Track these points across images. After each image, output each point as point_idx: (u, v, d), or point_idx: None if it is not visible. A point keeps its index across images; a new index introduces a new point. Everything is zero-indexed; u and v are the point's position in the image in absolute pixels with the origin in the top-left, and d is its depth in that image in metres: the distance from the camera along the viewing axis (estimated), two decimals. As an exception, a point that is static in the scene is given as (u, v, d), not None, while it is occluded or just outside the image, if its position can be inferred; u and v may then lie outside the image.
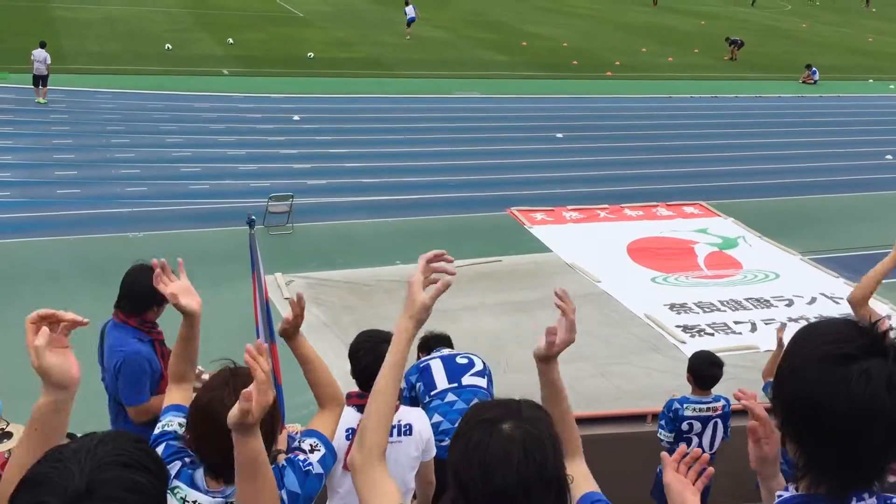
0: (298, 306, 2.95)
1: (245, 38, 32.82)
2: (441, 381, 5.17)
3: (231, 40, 31.99)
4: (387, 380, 2.21)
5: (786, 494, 1.81)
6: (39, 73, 21.87)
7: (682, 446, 2.36)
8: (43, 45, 22.09)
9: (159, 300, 4.77)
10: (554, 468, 1.77)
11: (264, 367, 2.16)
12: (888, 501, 1.80)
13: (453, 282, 2.24)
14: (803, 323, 1.90)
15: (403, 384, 5.35)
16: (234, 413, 2.11)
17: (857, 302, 4.21)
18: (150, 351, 4.77)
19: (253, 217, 5.00)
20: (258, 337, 4.96)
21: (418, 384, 5.31)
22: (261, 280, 4.95)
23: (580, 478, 2.20)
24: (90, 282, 12.25)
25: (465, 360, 5.30)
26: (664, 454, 2.26)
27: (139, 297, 4.74)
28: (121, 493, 1.51)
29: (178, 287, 2.99)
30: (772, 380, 1.87)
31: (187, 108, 22.99)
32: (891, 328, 1.73)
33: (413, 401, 5.25)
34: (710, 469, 2.27)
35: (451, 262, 2.29)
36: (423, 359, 5.53)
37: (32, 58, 21.77)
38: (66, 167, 17.65)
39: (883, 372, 1.66)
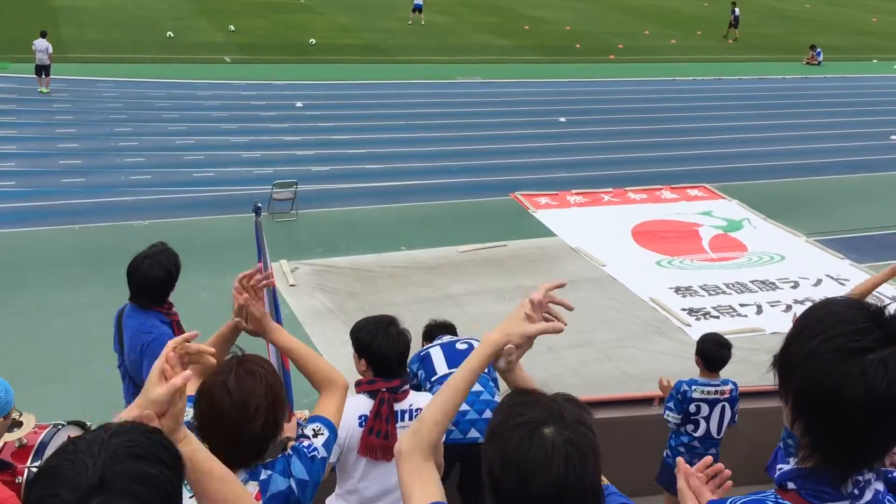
0: (241, 296, 2.89)
1: (246, 24, 32.72)
2: (441, 367, 5.19)
3: (232, 27, 31.90)
4: (462, 380, 2.17)
5: (786, 467, 1.82)
6: (42, 63, 21.84)
7: (708, 458, 2.32)
8: (44, 35, 22.05)
9: (174, 284, 4.79)
10: (593, 476, 1.75)
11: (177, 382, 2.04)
12: (888, 475, 1.82)
13: (562, 329, 2.17)
14: (809, 305, 1.89)
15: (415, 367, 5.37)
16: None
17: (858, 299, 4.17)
18: (171, 333, 4.79)
19: (259, 204, 5.01)
20: None
21: (420, 372, 5.33)
22: (267, 267, 4.96)
23: None
24: (95, 270, 12.28)
25: (464, 346, 5.33)
26: (679, 459, 2.24)
27: (155, 289, 4.74)
28: (132, 486, 1.50)
29: (252, 304, 2.93)
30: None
31: (190, 95, 22.95)
32: None
33: (416, 388, 5.28)
34: (729, 483, 2.27)
35: (570, 307, 2.22)
36: (424, 347, 5.54)
37: (34, 48, 21.73)
38: (70, 156, 17.66)
39: None
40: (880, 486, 1.78)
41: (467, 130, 21.17)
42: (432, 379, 5.25)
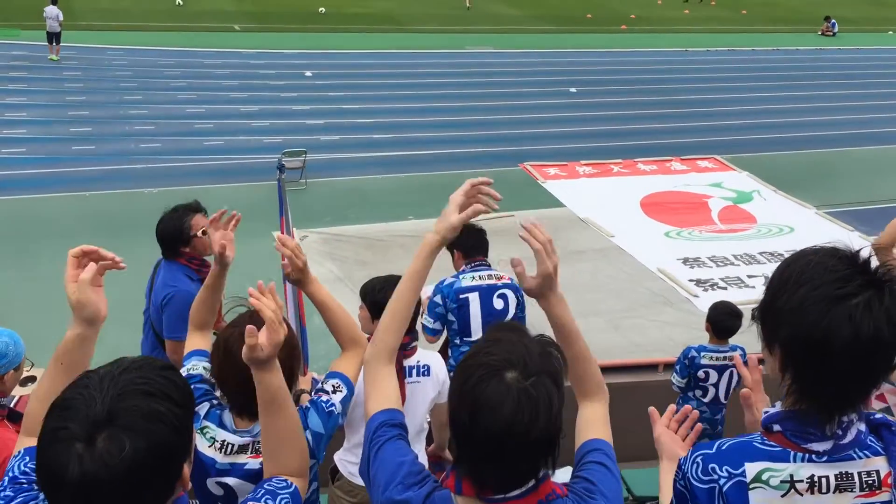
0: (286, 248, 2.90)
1: (256, -8, 32.55)
2: (476, 327, 5.20)
3: (242, -5, 31.74)
4: (406, 285, 2.27)
5: (772, 410, 1.87)
6: (52, 31, 21.83)
7: (672, 406, 2.40)
8: (54, 2, 22.04)
9: (185, 239, 4.84)
10: (544, 429, 1.78)
11: (271, 305, 2.23)
12: (870, 416, 1.89)
13: (482, 210, 2.25)
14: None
15: (438, 299, 5.27)
16: (244, 349, 2.19)
17: (886, 247, 4.14)
18: (194, 291, 4.83)
19: (283, 163, 5.07)
20: (285, 281, 5.04)
21: (451, 317, 5.27)
22: (289, 223, 5.02)
23: (589, 422, 2.19)
24: (106, 238, 12.30)
25: (501, 305, 5.30)
26: (652, 410, 2.30)
27: (164, 239, 4.88)
28: (139, 422, 1.54)
29: (228, 238, 3.05)
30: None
31: (199, 64, 22.91)
32: (871, 255, 1.79)
33: (440, 319, 5.28)
34: (699, 425, 2.37)
35: (497, 197, 2.30)
36: (461, 283, 5.29)
37: (45, 15, 21.72)
38: (81, 124, 17.69)
39: (881, 304, 1.73)
40: (862, 427, 1.85)
41: (477, 100, 21.08)
42: (465, 339, 5.24)
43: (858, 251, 1.80)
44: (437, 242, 2.25)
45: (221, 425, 2.67)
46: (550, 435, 1.81)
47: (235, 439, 2.65)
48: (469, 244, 5.41)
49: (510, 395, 1.76)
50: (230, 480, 2.63)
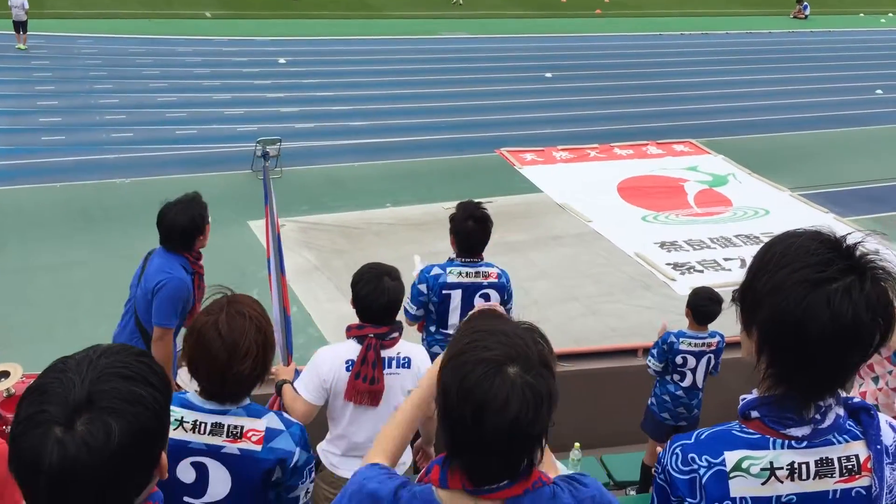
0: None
1: (227, -21, 32.20)
2: (454, 322, 5.16)
3: (213, -18, 31.37)
4: (409, 417, 2.28)
5: (749, 397, 1.86)
6: (18, 19, 21.48)
7: None
8: (19, -10, 21.65)
9: (200, 230, 4.82)
10: (543, 423, 1.75)
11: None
12: (848, 401, 1.87)
13: None
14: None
15: (423, 287, 5.20)
16: None
17: None
18: (188, 281, 4.79)
19: (267, 150, 5.03)
20: (269, 268, 5.00)
21: (431, 307, 5.24)
22: (273, 212, 4.98)
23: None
24: (78, 228, 12.17)
25: (481, 303, 5.26)
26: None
27: (179, 235, 4.82)
28: (120, 404, 1.51)
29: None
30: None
31: (170, 52, 22.64)
32: (860, 242, 1.76)
33: (422, 306, 5.26)
34: None
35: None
36: (447, 277, 5.22)
37: (10, 3, 21.34)
38: (50, 114, 17.43)
39: (862, 290, 1.70)
40: (841, 411, 1.84)
41: (453, 86, 21.01)
42: (442, 330, 5.22)
43: (844, 236, 1.77)
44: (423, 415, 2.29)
45: (188, 406, 2.63)
46: (546, 427, 1.78)
47: (207, 418, 2.61)
48: (472, 242, 5.23)
49: (516, 393, 1.71)
50: (206, 461, 2.59)
